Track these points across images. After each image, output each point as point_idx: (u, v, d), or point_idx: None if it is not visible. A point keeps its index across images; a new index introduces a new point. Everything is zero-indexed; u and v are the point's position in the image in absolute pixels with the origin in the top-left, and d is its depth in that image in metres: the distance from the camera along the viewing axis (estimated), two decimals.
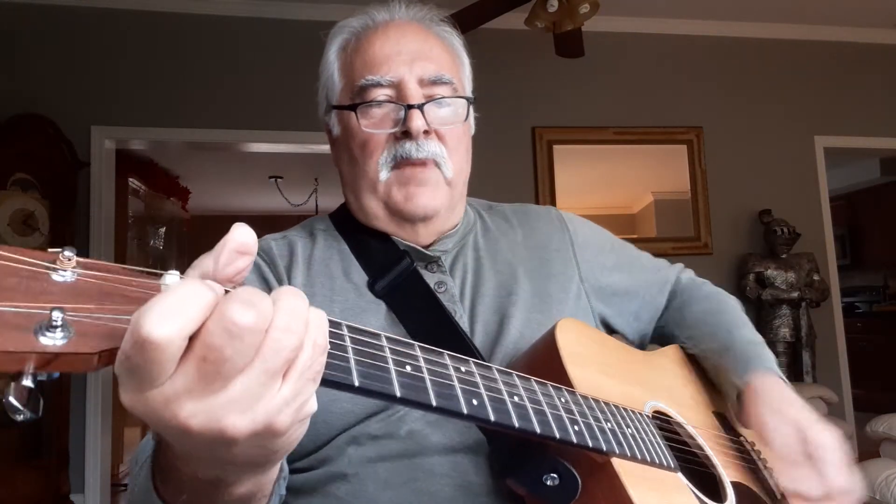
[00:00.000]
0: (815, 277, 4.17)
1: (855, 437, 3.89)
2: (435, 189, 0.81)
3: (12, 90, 3.55)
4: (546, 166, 4.17)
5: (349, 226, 0.87)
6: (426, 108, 0.79)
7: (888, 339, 6.19)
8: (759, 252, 4.24)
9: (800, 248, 4.22)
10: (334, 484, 0.73)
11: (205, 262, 0.38)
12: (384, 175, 0.80)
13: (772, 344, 4.07)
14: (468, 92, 0.89)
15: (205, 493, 0.45)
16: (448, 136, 0.82)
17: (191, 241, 6.72)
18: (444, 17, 0.88)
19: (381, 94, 0.80)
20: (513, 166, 4.11)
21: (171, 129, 3.82)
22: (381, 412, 0.73)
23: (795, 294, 4.08)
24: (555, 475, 0.60)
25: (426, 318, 0.78)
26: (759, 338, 0.92)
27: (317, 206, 7.22)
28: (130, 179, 5.14)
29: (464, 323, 0.80)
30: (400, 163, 0.80)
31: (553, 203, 4.12)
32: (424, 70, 0.80)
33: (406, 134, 0.79)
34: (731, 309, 0.98)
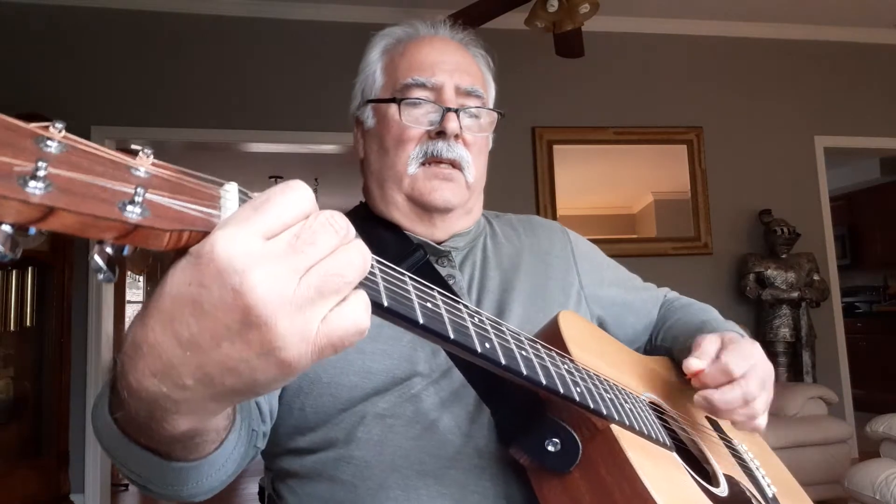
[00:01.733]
0: (815, 277, 4.18)
1: (855, 437, 3.89)
2: (457, 187, 0.87)
3: (12, 90, 3.56)
4: (546, 166, 4.17)
5: (365, 221, 0.92)
6: (460, 114, 0.87)
7: (888, 339, 6.19)
8: (759, 252, 4.25)
9: (800, 248, 4.22)
10: (340, 467, 0.74)
11: None
12: (412, 169, 0.86)
13: (772, 344, 4.07)
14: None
15: (143, 418, 0.45)
16: (473, 144, 0.89)
17: None
18: (482, 44, 0.98)
19: (422, 94, 0.87)
20: (513, 166, 4.11)
21: (171, 129, 3.82)
22: (387, 390, 0.75)
23: (795, 294, 4.09)
24: (556, 440, 0.63)
25: None
26: (736, 326, 0.96)
27: None
28: None
29: None
30: (429, 160, 0.86)
31: (553, 203, 4.12)
32: (462, 80, 0.88)
33: (441, 134, 0.85)
34: (709, 311, 1.03)
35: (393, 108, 0.87)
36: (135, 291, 7.08)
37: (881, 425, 2.60)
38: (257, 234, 0.36)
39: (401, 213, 0.88)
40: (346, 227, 0.39)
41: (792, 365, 4.09)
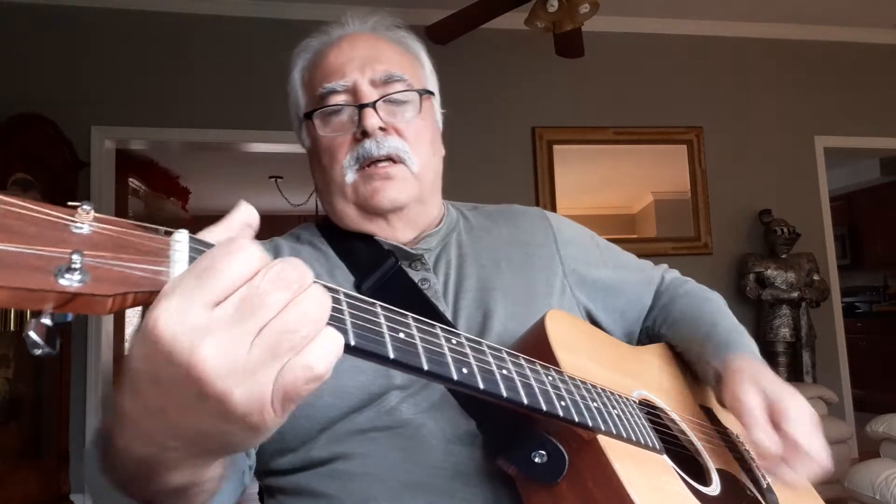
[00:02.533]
0: (815, 277, 4.17)
1: (855, 437, 3.89)
2: (402, 183, 0.83)
3: (12, 90, 3.55)
4: (546, 166, 4.17)
5: (334, 231, 0.89)
6: (380, 105, 0.82)
7: (888, 339, 6.19)
8: (759, 252, 4.25)
9: (800, 248, 4.22)
10: (324, 482, 0.73)
11: (217, 231, 0.41)
12: (350, 177, 0.83)
13: (772, 344, 4.07)
14: (429, 88, 0.91)
15: (136, 476, 0.45)
16: (406, 131, 0.84)
17: None
18: (398, 23, 0.92)
19: (340, 98, 0.83)
20: (513, 166, 4.11)
21: (171, 129, 3.82)
22: (365, 407, 0.73)
23: (795, 294, 4.09)
24: (543, 452, 0.61)
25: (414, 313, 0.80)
26: (740, 327, 0.92)
27: (317, 206, 7.21)
28: (130, 179, 5.14)
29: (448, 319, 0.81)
30: (363, 163, 0.82)
31: (553, 203, 4.12)
32: (374, 72, 0.84)
33: (365, 134, 0.81)
34: (714, 302, 0.99)
35: (315, 122, 0.84)
36: None
37: (881, 425, 2.60)
38: (201, 305, 0.35)
39: (356, 222, 0.85)
40: (298, 277, 0.37)
41: (792, 365, 4.08)
